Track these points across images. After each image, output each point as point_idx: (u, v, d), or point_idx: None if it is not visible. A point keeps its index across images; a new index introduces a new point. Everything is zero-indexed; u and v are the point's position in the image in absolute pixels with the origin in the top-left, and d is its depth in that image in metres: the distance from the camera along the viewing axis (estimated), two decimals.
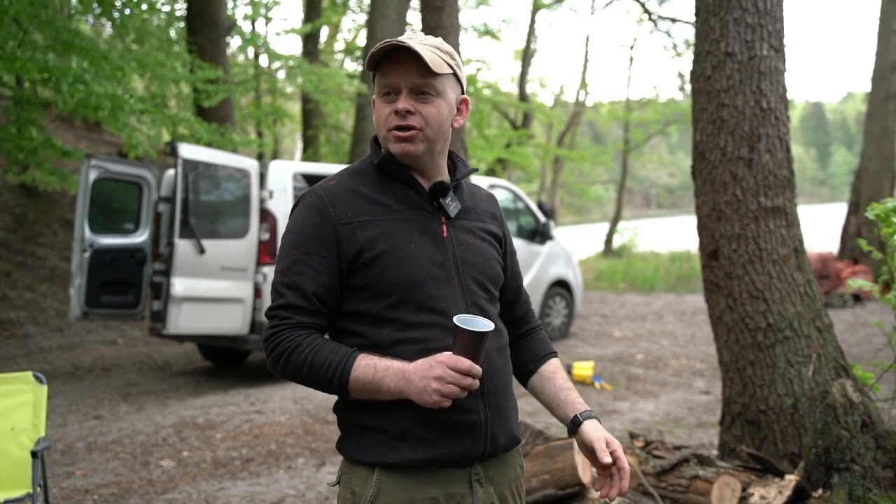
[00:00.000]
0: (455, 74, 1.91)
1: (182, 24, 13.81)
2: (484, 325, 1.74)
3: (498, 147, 20.91)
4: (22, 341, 10.44)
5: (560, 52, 65.63)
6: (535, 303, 10.75)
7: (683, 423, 6.84)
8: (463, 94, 1.97)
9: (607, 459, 1.87)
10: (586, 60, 29.21)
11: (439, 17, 8.63)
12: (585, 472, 4.05)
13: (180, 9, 14.52)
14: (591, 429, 1.93)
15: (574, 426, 1.97)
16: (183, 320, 7.41)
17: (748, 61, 4.44)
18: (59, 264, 12.65)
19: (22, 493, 3.94)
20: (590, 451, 1.92)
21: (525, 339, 2.14)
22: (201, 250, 7.50)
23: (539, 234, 11.03)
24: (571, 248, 12.11)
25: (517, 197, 11.18)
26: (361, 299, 1.85)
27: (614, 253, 25.65)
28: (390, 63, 1.84)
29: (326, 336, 1.89)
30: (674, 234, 24.99)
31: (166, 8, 14.20)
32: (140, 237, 8.41)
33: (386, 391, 1.76)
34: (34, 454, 3.97)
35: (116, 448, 5.96)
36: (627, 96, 29.55)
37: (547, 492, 4.03)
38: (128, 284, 8.20)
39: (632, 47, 37.34)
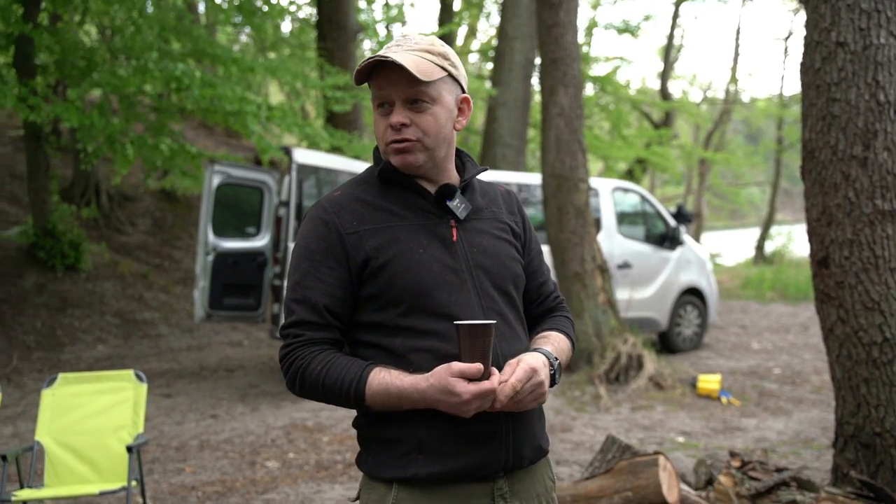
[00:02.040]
0: (451, 75, 1.84)
1: (314, 31, 14.24)
2: (484, 321, 1.68)
3: (637, 147, 20.25)
4: (154, 341, 11.06)
5: (708, 47, 62.88)
6: (665, 311, 10.36)
7: (814, 444, 6.37)
8: (463, 92, 1.89)
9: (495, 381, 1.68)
10: (737, 55, 28.04)
11: (556, 14, 8.43)
12: (671, 490, 3.82)
13: (310, 14, 14.94)
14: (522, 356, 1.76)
15: None
16: None
17: (862, 51, 4.05)
18: (193, 267, 13.36)
19: (119, 485, 4.15)
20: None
21: (546, 315, 2.03)
22: None
23: (669, 239, 10.60)
24: (705, 254, 11.56)
25: (645, 200, 10.81)
26: (373, 309, 1.81)
27: (766, 259, 24.34)
28: (380, 75, 1.80)
29: (344, 349, 1.85)
30: None
31: (301, 14, 14.67)
32: (261, 241, 8.71)
33: (407, 407, 1.73)
34: (129, 449, 4.16)
35: (227, 447, 6.19)
36: (781, 91, 27.98)
37: None
38: (249, 287, 8.51)
39: (787, 39, 35.12)
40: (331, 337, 1.80)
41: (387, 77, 1.78)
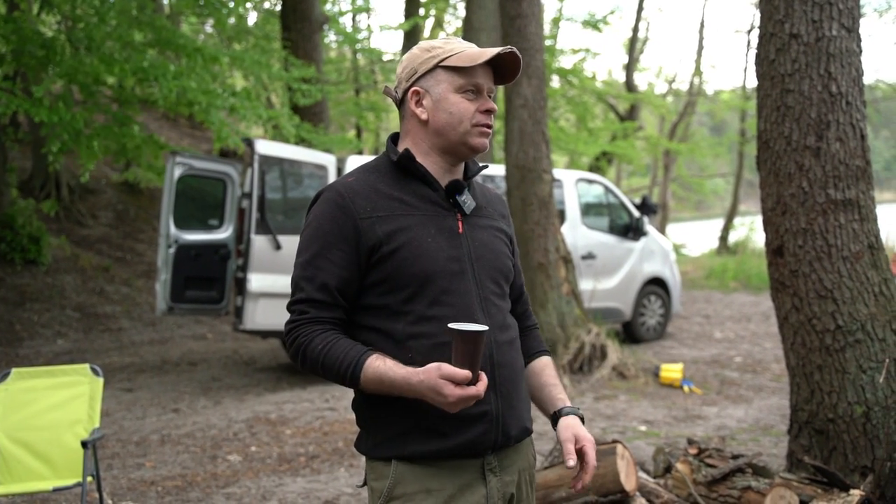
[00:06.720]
0: None
1: (278, 22, 14.09)
2: (476, 327, 1.75)
3: (602, 140, 20.30)
4: (116, 335, 10.91)
5: (673, 40, 63.34)
6: (629, 301, 10.44)
7: (773, 431, 6.46)
8: None
9: (570, 463, 1.91)
10: (701, 47, 28.18)
11: (519, 5, 8.43)
12: (629, 478, 3.85)
13: (274, 4, 14.77)
14: (564, 427, 2.00)
15: (554, 421, 2.05)
16: (259, 316, 7.55)
17: (815, 42, 4.11)
18: (156, 260, 13.18)
19: (74, 481, 4.08)
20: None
21: (522, 335, 2.17)
22: (278, 246, 7.61)
23: (632, 230, 10.67)
24: (668, 244, 11.66)
25: (609, 191, 10.87)
26: (379, 293, 1.90)
27: (729, 250, 24.61)
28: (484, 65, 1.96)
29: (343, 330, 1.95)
30: None
31: (266, 4, 14.48)
32: (224, 233, 8.61)
33: (397, 395, 1.82)
34: (84, 444, 4.09)
35: (188, 441, 6.13)
36: (744, 84, 28.24)
37: (588, 498, 3.85)
38: (212, 280, 8.42)
39: (749, 32, 35.33)
40: (335, 316, 1.89)
41: (484, 67, 1.95)
